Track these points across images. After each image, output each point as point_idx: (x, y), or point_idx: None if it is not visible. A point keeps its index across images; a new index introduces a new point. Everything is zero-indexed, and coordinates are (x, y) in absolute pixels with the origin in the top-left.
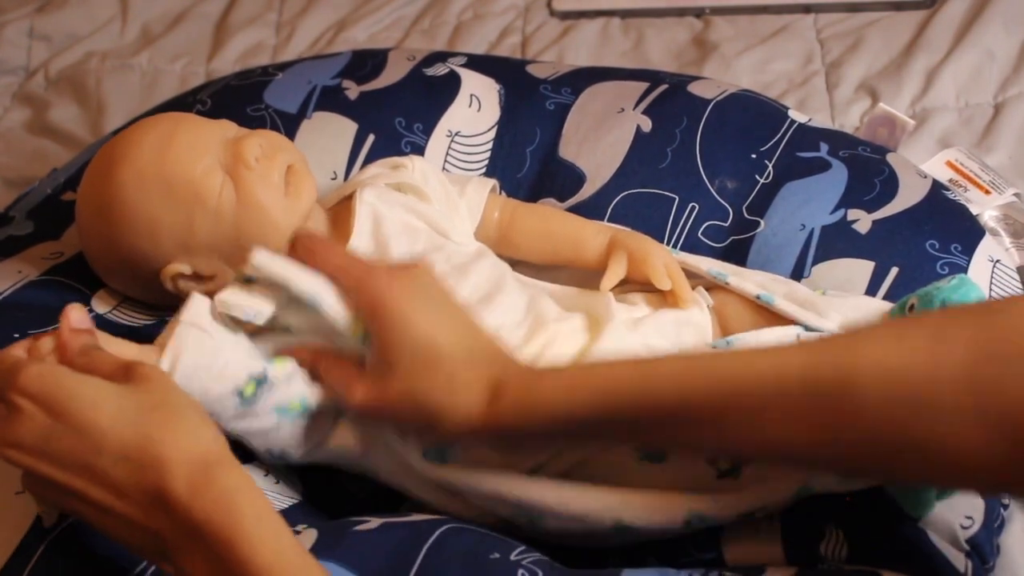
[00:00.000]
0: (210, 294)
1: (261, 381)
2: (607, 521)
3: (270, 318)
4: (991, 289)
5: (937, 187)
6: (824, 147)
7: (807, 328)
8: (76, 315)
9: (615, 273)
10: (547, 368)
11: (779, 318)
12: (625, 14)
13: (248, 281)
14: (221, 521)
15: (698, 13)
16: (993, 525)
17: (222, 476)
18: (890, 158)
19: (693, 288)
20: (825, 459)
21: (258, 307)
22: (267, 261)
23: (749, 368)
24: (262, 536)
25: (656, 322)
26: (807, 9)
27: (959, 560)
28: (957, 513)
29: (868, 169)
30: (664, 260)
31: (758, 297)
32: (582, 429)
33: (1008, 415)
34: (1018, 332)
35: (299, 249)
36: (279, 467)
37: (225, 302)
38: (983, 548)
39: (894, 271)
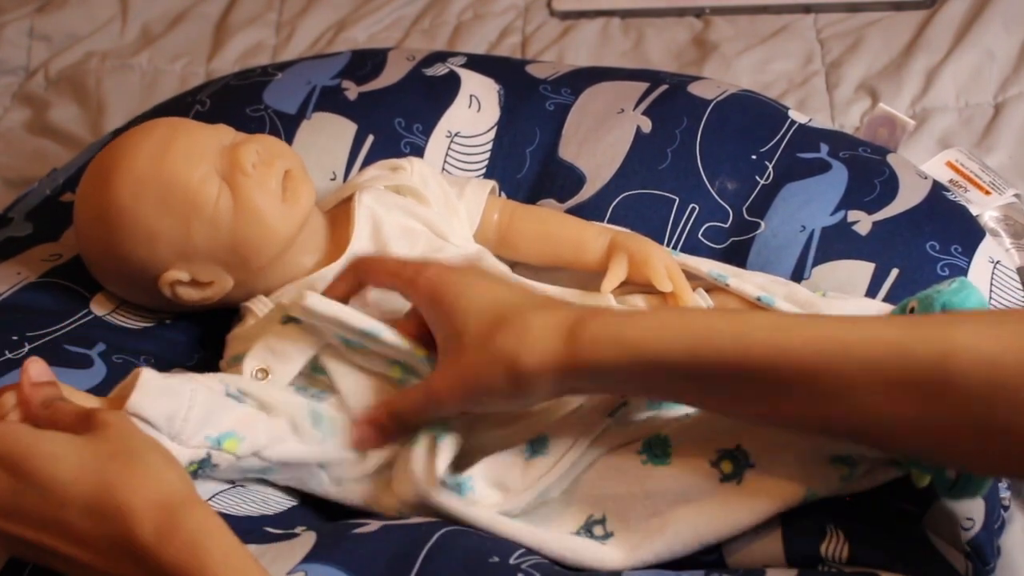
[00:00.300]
0: (208, 301)
1: (204, 463)
2: (622, 568)
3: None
4: (991, 290)
5: (937, 188)
6: (824, 148)
7: None
8: (35, 368)
9: (616, 275)
10: (634, 310)
11: None
12: (625, 14)
13: (287, 322)
14: (188, 564)
15: (698, 13)
16: (993, 526)
17: (187, 519)
18: (890, 159)
19: (693, 290)
20: (910, 435)
21: (289, 367)
22: (320, 304)
23: (846, 335)
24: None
25: None
26: (807, 9)
27: (959, 561)
28: (957, 515)
29: (868, 170)
30: (665, 262)
31: (759, 299)
32: (668, 374)
33: None
34: None
35: (354, 272)
36: None
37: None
38: (983, 549)
39: (894, 272)
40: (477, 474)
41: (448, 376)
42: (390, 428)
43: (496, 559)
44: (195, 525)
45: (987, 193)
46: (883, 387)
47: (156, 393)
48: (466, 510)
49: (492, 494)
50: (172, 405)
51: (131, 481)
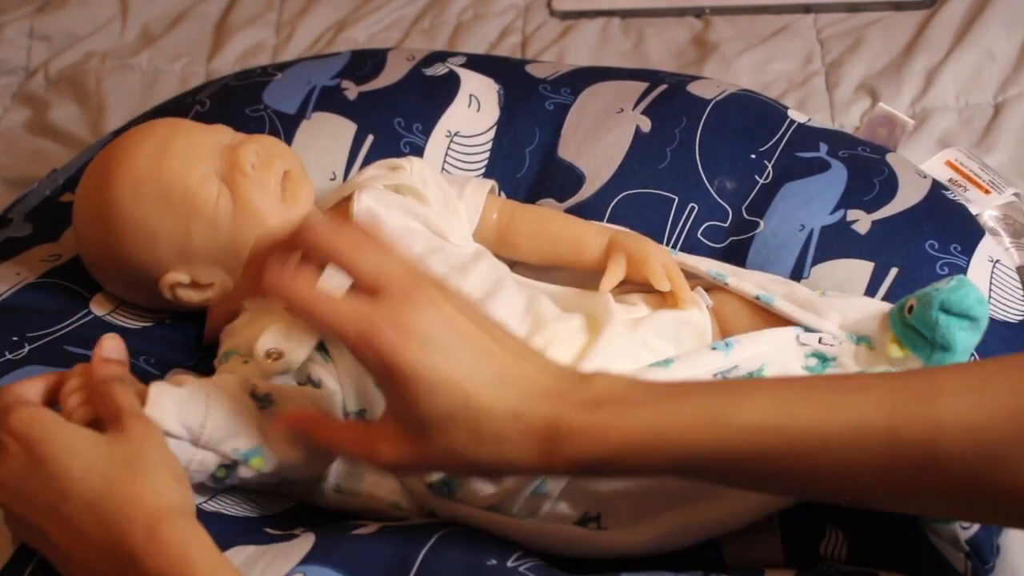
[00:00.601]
0: (207, 302)
1: (231, 469)
2: (614, 554)
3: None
4: (991, 289)
5: (937, 187)
6: (824, 147)
7: (806, 329)
8: (109, 345)
9: (614, 274)
10: (610, 409)
11: (778, 318)
12: (625, 14)
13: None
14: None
15: (698, 13)
16: (993, 526)
17: (176, 531)
18: (890, 158)
19: (692, 289)
20: (902, 505)
21: (301, 349)
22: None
23: (829, 424)
24: None
25: (655, 322)
26: (807, 9)
27: (959, 560)
28: None
29: (868, 169)
30: (663, 261)
31: (757, 298)
32: (649, 476)
33: None
34: None
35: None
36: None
37: (269, 348)
38: (983, 548)
39: (893, 271)
40: None
41: (401, 454)
42: (315, 445)
43: (494, 561)
44: (184, 538)
45: (987, 192)
46: (870, 470)
47: (170, 407)
48: (456, 508)
49: (485, 488)
50: (188, 418)
51: (133, 489)
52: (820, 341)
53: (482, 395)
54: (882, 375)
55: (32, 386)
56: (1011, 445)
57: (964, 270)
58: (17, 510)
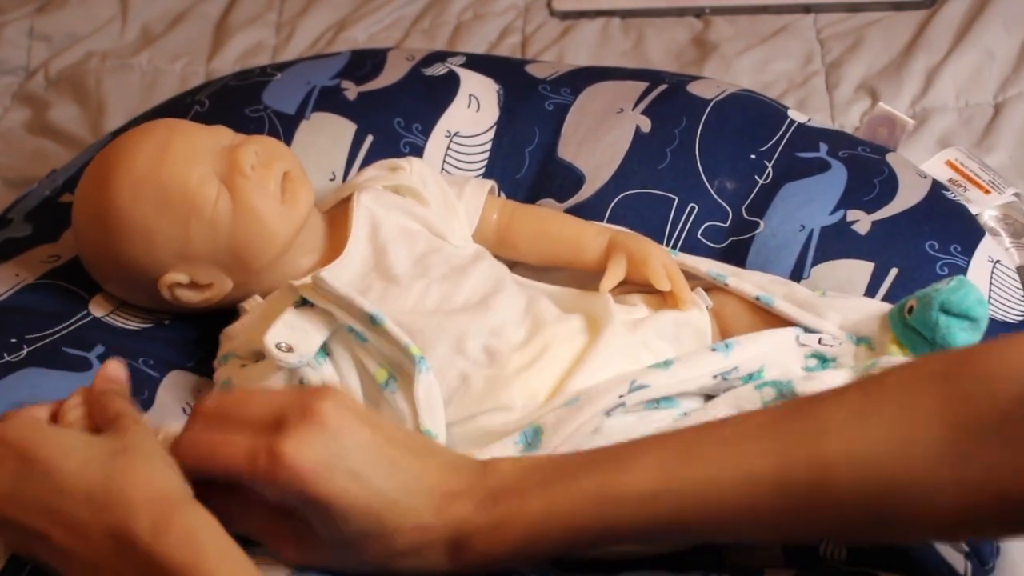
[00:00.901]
0: (207, 303)
1: None
2: (616, 556)
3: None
4: (991, 290)
5: (937, 187)
6: (824, 147)
7: (806, 329)
8: (112, 367)
9: (614, 275)
10: (503, 502)
11: (778, 319)
12: (625, 14)
13: (301, 305)
14: (183, 560)
15: (698, 13)
16: None
17: (184, 515)
18: (890, 158)
19: (692, 289)
20: (802, 538)
21: (310, 343)
22: (334, 281)
23: (717, 481)
24: (226, 573)
25: (655, 323)
26: (807, 9)
27: (958, 561)
28: None
29: (868, 169)
30: (663, 261)
31: (757, 298)
32: (550, 558)
33: (992, 480)
34: (989, 399)
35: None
36: None
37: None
38: (982, 549)
39: (893, 272)
40: None
41: (310, 558)
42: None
43: None
44: (192, 522)
45: (987, 192)
46: (765, 518)
47: None
48: None
49: None
50: None
51: (133, 476)
52: (820, 342)
53: (392, 513)
54: (767, 413)
55: (33, 410)
56: (903, 472)
57: (964, 270)
58: (11, 515)
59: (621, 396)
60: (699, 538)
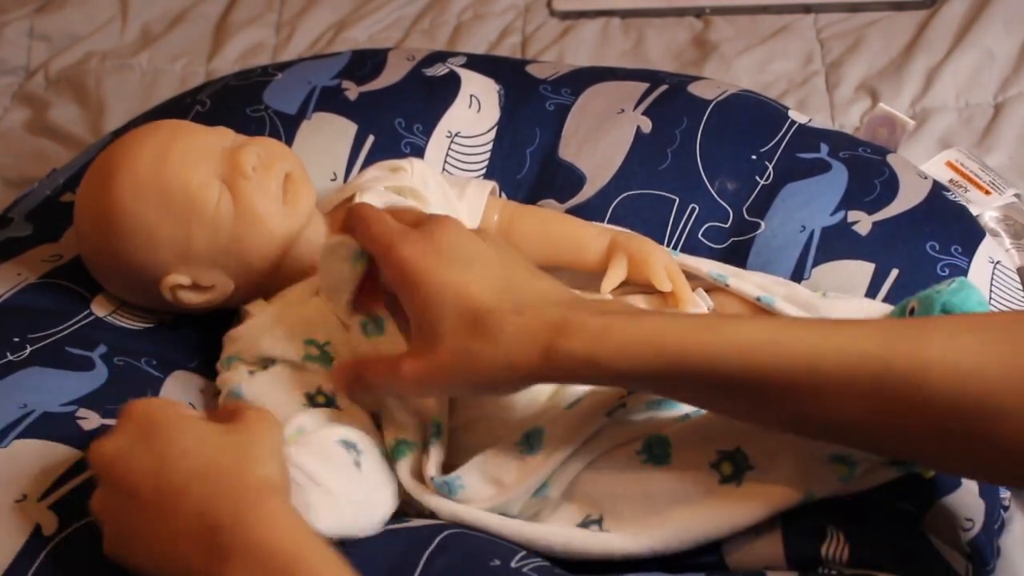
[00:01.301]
0: (210, 304)
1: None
2: (615, 557)
3: None
4: (991, 291)
5: (937, 188)
6: (824, 148)
7: None
8: None
9: (615, 275)
10: (612, 315)
11: None
12: (625, 14)
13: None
14: (281, 540)
15: (698, 13)
16: (993, 527)
17: (276, 504)
18: (890, 159)
19: (693, 290)
20: (887, 443)
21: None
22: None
23: (822, 347)
24: (324, 555)
25: None
26: (807, 9)
27: (959, 562)
28: (957, 515)
29: (868, 170)
30: (664, 262)
31: (758, 299)
32: (645, 387)
33: None
34: None
35: (349, 219)
36: None
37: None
38: (983, 550)
39: (894, 273)
40: (470, 471)
41: (418, 366)
42: (353, 389)
43: (497, 562)
44: (281, 515)
45: (987, 193)
46: (859, 398)
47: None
48: (456, 509)
49: (485, 489)
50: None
51: (238, 464)
52: None
53: (487, 296)
54: (874, 319)
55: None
56: (997, 391)
57: (965, 271)
58: (115, 471)
59: (622, 397)
60: (786, 412)
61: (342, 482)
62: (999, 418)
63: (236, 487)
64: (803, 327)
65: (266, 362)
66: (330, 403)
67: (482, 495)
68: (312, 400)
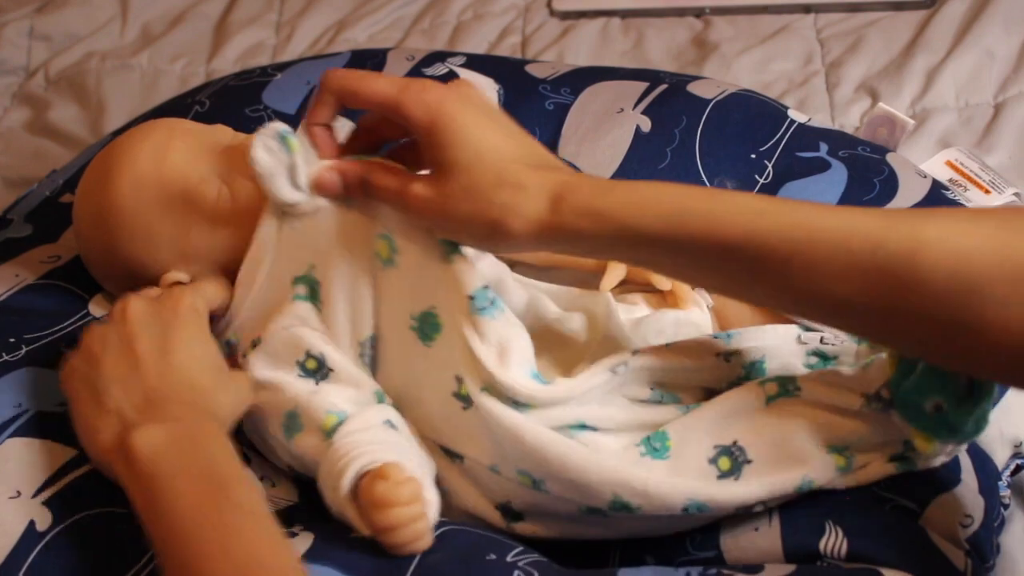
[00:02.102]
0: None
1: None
2: (606, 494)
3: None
4: None
5: (936, 187)
6: (824, 147)
7: (806, 328)
8: None
9: (614, 274)
10: (616, 180)
11: (780, 317)
12: (625, 14)
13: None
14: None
15: (698, 13)
16: (993, 524)
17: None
18: (890, 158)
19: (693, 288)
20: (874, 325)
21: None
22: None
23: (821, 221)
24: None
25: (656, 322)
26: (807, 9)
27: (959, 559)
28: (957, 512)
29: (868, 169)
30: None
31: None
32: (646, 245)
33: None
34: None
35: (330, 92)
36: (277, 472)
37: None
38: (983, 547)
39: None
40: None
41: (429, 195)
42: (354, 190)
43: (493, 556)
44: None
45: (987, 192)
46: (852, 275)
47: None
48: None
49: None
50: None
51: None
52: (822, 341)
53: (509, 148)
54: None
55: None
56: (990, 278)
57: None
58: (125, 328)
59: (625, 360)
60: (778, 285)
61: (414, 464)
62: (989, 305)
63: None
64: (802, 205)
65: (255, 340)
66: (321, 365)
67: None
68: (303, 367)
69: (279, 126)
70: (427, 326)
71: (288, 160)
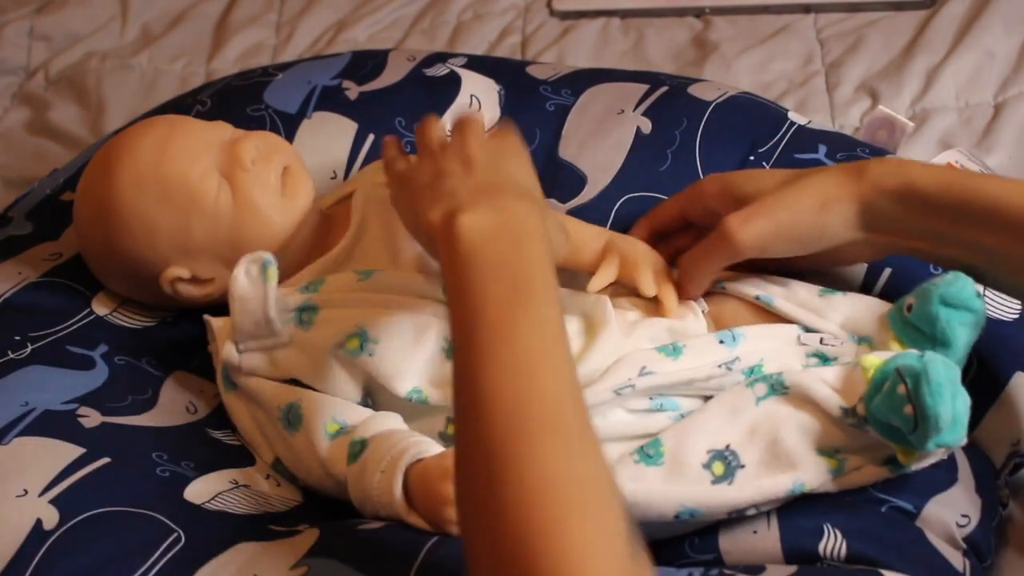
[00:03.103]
0: (208, 297)
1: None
2: None
3: None
4: (985, 291)
5: None
6: (822, 149)
7: (807, 329)
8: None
9: (604, 276)
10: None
11: (779, 319)
12: (625, 14)
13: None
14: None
15: (698, 13)
16: (991, 524)
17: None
18: None
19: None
20: None
21: None
22: None
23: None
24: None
25: (650, 328)
26: (807, 9)
27: (956, 559)
28: (954, 511)
29: None
30: (656, 267)
31: (757, 298)
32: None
33: None
34: None
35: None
36: (283, 473)
37: None
38: (980, 546)
39: (887, 272)
40: None
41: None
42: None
43: None
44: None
45: None
46: None
47: None
48: None
49: None
50: None
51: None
52: (822, 342)
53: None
54: None
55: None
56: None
57: None
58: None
59: (631, 378)
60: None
61: None
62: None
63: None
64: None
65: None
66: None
67: None
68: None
69: (264, 255)
70: None
71: (263, 290)
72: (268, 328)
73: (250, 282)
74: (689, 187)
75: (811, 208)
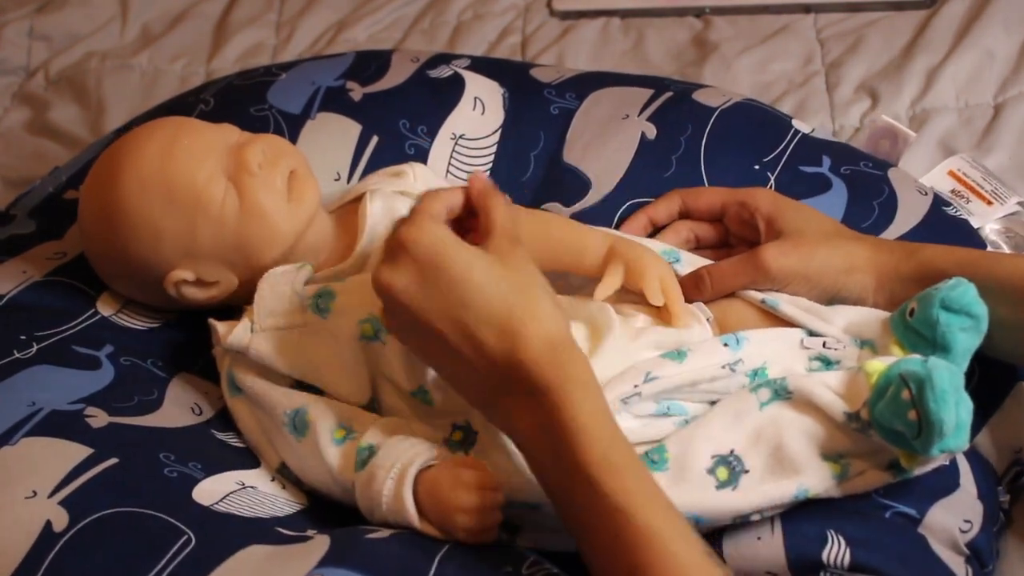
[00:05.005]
0: (213, 301)
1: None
2: None
3: None
4: None
5: (937, 203)
6: (826, 161)
7: (811, 333)
8: (481, 179)
9: (610, 283)
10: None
11: (784, 323)
12: (625, 14)
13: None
14: (554, 381)
15: (698, 13)
16: (992, 529)
17: (572, 351)
18: (891, 174)
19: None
20: None
21: None
22: None
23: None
24: (591, 408)
25: (656, 334)
26: (807, 9)
27: (959, 565)
28: (957, 517)
29: (868, 189)
30: (661, 274)
31: (763, 301)
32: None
33: None
34: None
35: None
36: (288, 477)
37: None
38: (982, 552)
39: None
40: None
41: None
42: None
43: (509, 569)
44: (578, 357)
45: (989, 203)
46: None
47: None
48: None
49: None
50: None
51: (530, 315)
52: (825, 345)
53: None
54: None
55: (435, 217)
56: None
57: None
58: (420, 317)
59: (636, 386)
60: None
61: None
62: None
63: (539, 335)
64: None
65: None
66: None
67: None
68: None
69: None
70: None
71: (295, 272)
72: (291, 303)
73: (284, 268)
74: (743, 190)
75: (839, 268)
